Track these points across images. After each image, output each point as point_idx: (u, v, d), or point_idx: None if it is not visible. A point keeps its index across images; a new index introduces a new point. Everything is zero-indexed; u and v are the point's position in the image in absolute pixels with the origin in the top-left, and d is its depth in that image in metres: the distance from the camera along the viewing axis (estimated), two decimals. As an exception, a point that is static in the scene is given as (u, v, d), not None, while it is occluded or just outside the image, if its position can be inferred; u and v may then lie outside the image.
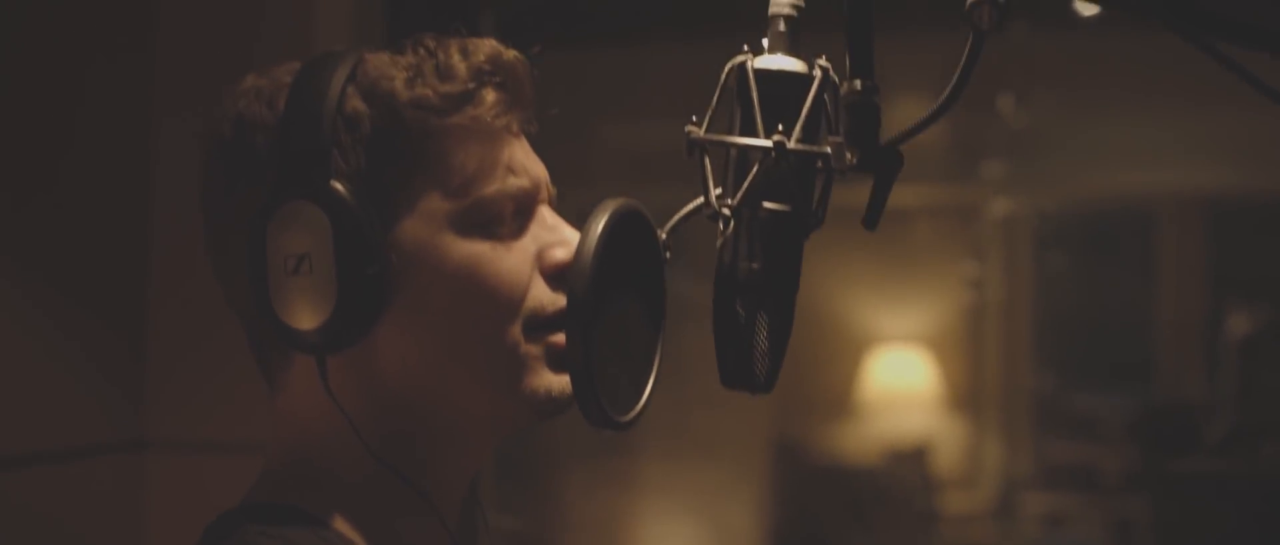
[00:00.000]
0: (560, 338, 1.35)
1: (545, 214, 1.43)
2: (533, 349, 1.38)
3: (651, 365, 1.38)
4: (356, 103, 1.36)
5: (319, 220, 1.30)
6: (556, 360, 1.39)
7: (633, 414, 1.33)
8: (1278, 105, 1.12)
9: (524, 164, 1.42)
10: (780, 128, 1.19)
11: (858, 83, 1.20)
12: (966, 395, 6.39)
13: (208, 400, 2.68)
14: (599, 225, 1.25)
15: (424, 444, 1.41)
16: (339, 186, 1.32)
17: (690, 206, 1.32)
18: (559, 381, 1.39)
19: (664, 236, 1.35)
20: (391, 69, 1.38)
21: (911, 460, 6.16)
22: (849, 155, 1.20)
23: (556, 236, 1.42)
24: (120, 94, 2.68)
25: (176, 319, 2.70)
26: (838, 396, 6.12)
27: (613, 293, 1.27)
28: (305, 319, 1.31)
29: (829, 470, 5.74)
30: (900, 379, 6.07)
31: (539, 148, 1.48)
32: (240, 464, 2.64)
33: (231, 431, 2.63)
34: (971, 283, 6.05)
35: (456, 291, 1.36)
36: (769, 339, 1.22)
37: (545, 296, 1.39)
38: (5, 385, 2.39)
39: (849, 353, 6.06)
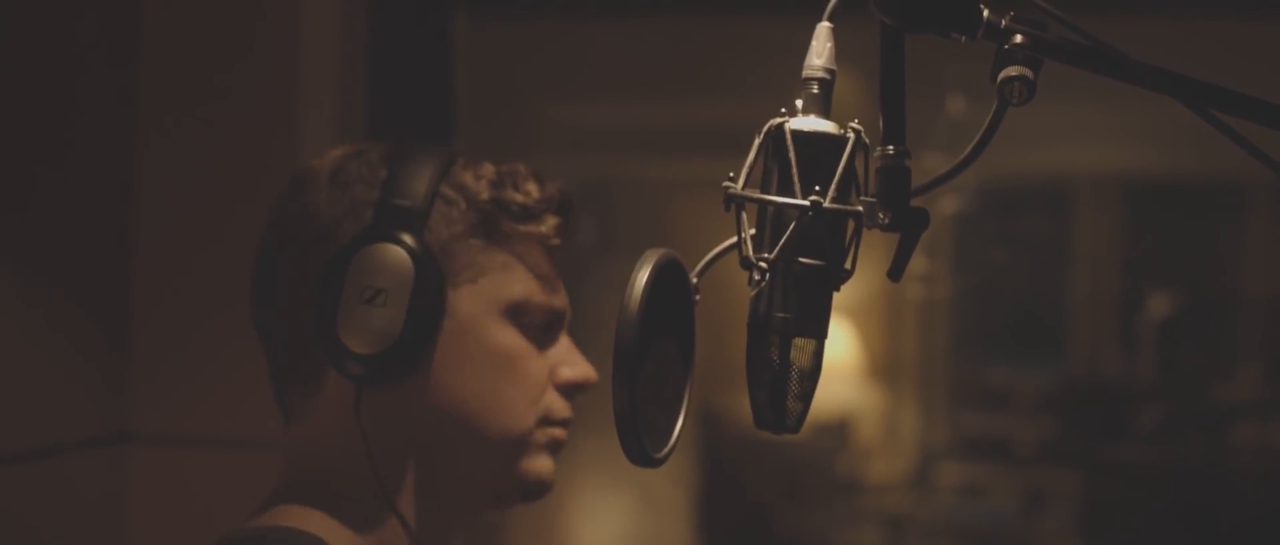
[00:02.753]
0: (560, 432, 1.63)
1: (564, 338, 1.67)
2: (538, 437, 1.61)
3: (682, 401, 1.46)
4: (449, 189, 1.56)
5: (403, 264, 1.47)
6: (547, 448, 1.63)
7: (667, 450, 1.41)
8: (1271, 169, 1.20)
9: (560, 288, 1.66)
10: (816, 188, 1.26)
11: (891, 147, 1.27)
12: (886, 367, 6.48)
13: (192, 394, 2.70)
14: (642, 278, 1.33)
15: (423, 493, 1.57)
16: (428, 243, 1.51)
17: (717, 252, 1.41)
18: (545, 468, 1.63)
19: (695, 281, 1.43)
20: (478, 171, 1.60)
21: (833, 431, 6.26)
22: (882, 215, 1.28)
23: (572, 358, 1.66)
24: (105, 89, 2.69)
25: (161, 312, 2.72)
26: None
27: (652, 338, 1.35)
28: (363, 345, 1.47)
29: (754, 441, 5.80)
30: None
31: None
32: (224, 458, 2.70)
33: (216, 425, 2.68)
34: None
35: (492, 369, 1.57)
36: (800, 384, 1.30)
37: (557, 403, 1.63)
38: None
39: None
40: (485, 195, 1.58)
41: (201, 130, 2.74)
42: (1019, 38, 1.24)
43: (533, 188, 1.62)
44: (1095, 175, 6.72)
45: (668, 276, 1.37)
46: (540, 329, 1.62)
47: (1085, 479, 6.21)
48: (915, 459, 6.61)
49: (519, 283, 1.59)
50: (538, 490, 1.63)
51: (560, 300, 1.64)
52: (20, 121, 2.47)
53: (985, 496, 6.57)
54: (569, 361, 1.65)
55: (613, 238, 5.26)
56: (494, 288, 1.57)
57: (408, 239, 1.49)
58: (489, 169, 1.61)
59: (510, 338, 1.58)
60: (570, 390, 1.64)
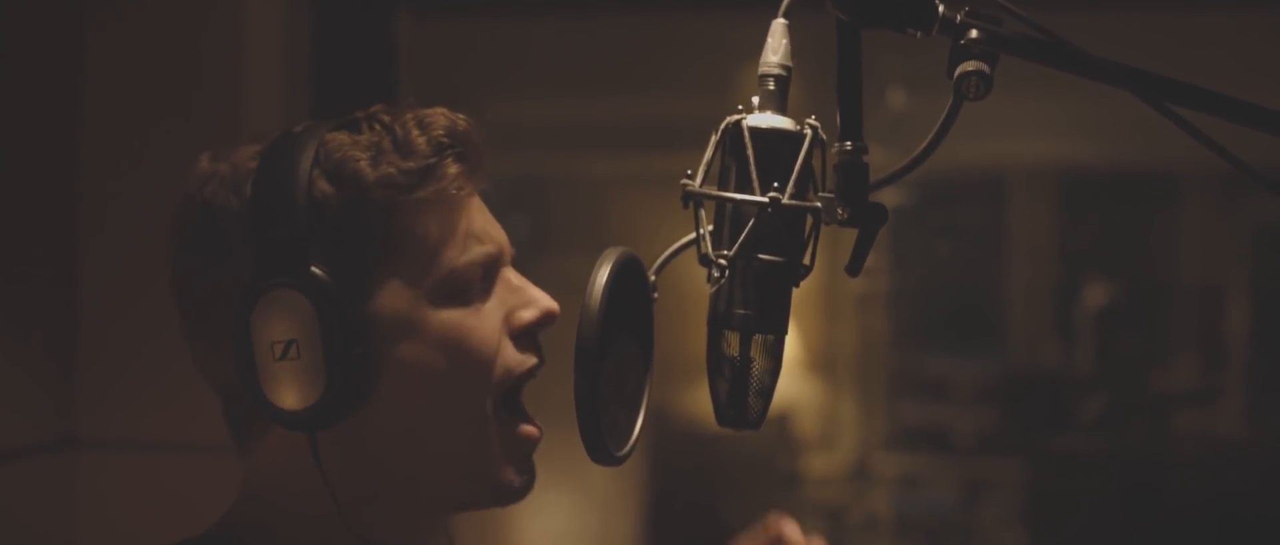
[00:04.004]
0: (530, 428, 1.50)
1: (509, 275, 1.51)
2: (502, 435, 1.48)
3: (642, 400, 1.46)
4: (324, 185, 1.40)
5: (303, 307, 1.35)
6: (522, 452, 1.51)
7: (628, 448, 1.41)
8: (1252, 178, 1.21)
9: (486, 229, 1.49)
10: (775, 184, 1.27)
11: (848, 144, 1.28)
12: (825, 360, 6.50)
13: (140, 399, 2.69)
14: (602, 277, 1.33)
15: (389, 512, 1.48)
16: (319, 271, 1.36)
17: (674, 249, 1.41)
18: (520, 473, 1.51)
19: (652, 278, 1.43)
20: (354, 150, 1.42)
21: (772, 425, 6.27)
22: (840, 211, 1.28)
23: (522, 298, 1.51)
24: (48, 96, 2.68)
25: (108, 318, 2.71)
26: (696, 362, 6.20)
27: (613, 337, 1.35)
28: (296, 400, 1.36)
29: (695, 436, 5.81)
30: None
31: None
32: (172, 462, 2.69)
33: (164, 430, 2.66)
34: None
35: (437, 361, 1.44)
36: (761, 380, 1.30)
37: (514, 358, 1.49)
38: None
39: (704, 318, 6.11)
40: (368, 177, 1.41)
41: (145, 134, 2.72)
42: (974, 33, 1.24)
43: (418, 140, 1.44)
44: (1031, 166, 6.75)
45: (626, 275, 1.37)
46: (478, 285, 1.47)
47: (1025, 468, 6.25)
48: (854, 451, 6.63)
49: (436, 257, 1.44)
50: (508, 497, 1.51)
51: (487, 246, 1.48)
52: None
53: (924, 487, 6.59)
54: (522, 302, 1.50)
55: (549, 235, 5.25)
56: (411, 277, 1.43)
57: (296, 274, 1.35)
58: (363, 140, 1.44)
59: (446, 317, 1.44)
60: (532, 331, 1.50)
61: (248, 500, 1.51)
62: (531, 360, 1.51)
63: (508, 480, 1.49)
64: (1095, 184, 6.93)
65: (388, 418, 1.42)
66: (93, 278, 2.70)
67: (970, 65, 1.23)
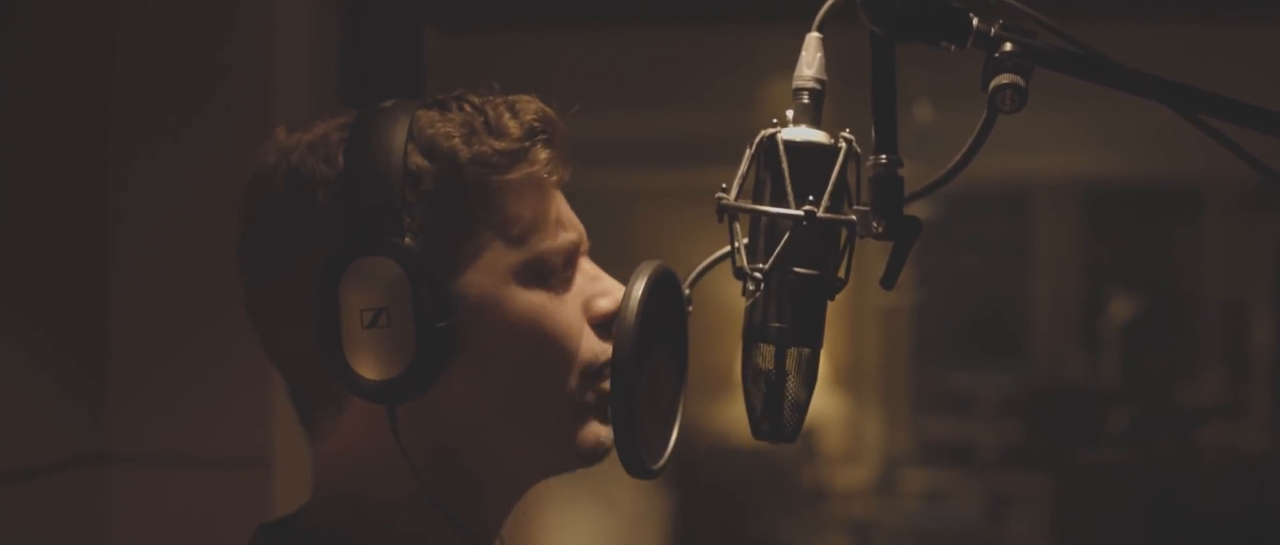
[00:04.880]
0: (608, 384, 1.42)
1: (586, 265, 1.49)
2: (585, 400, 1.45)
3: (676, 412, 1.46)
4: (418, 159, 1.39)
5: (395, 274, 1.33)
6: (604, 410, 1.45)
7: (663, 461, 1.41)
8: (1271, 179, 1.21)
9: (569, 218, 1.47)
10: (810, 198, 1.27)
11: (883, 157, 1.28)
12: (850, 375, 6.50)
13: (168, 413, 2.68)
14: (638, 291, 1.32)
15: (471, 485, 1.46)
16: (411, 241, 1.35)
17: (708, 262, 1.42)
18: (607, 431, 1.44)
19: (687, 292, 1.43)
20: (446, 126, 1.41)
21: (800, 438, 6.26)
22: (875, 224, 1.28)
23: (599, 287, 1.48)
24: (77, 111, 2.69)
25: (136, 333, 2.71)
26: (723, 376, 6.21)
27: (649, 350, 1.35)
28: (379, 370, 1.34)
29: (722, 450, 5.82)
30: (785, 358, 6.13)
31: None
32: (202, 477, 2.69)
33: (192, 444, 2.66)
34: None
35: (520, 341, 1.41)
36: (795, 393, 1.30)
37: (596, 346, 1.44)
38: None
39: (734, 332, 6.13)
40: (463, 154, 1.40)
41: (175, 148, 2.73)
42: (1008, 45, 1.24)
43: (510, 122, 1.43)
44: (1054, 180, 6.75)
45: (662, 289, 1.37)
46: (560, 272, 1.46)
47: (1050, 482, 6.24)
48: (880, 465, 6.63)
49: (524, 238, 1.43)
50: (597, 456, 1.46)
51: (571, 234, 1.47)
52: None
53: (949, 501, 6.59)
54: (600, 291, 1.49)
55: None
56: (500, 256, 1.41)
57: (390, 243, 1.34)
58: (455, 118, 1.43)
59: (531, 299, 1.42)
60: (608, 322, 1.47)
61: (325, 497, 1.49)
62: (611, 350, 1.48)
63: (591, 439, 1.46)
64: (1119, 198, 6.93)
65: (463, 394, 1.40)
66: (122, 291, 2.70)
67: (1005, 78, 1.23)
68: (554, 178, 1.46)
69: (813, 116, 1.31)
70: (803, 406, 1.31)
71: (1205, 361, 6.74)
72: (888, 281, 1.31)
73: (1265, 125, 1.24)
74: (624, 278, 1.41)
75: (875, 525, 6.51)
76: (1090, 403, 6.57)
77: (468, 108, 1.43)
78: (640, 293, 1.32)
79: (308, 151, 1.40)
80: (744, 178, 1.30)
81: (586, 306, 1.46)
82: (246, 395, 2.51)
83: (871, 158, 1.28)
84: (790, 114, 1.31)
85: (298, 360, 1.44)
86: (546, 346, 1.41)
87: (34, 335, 2.55)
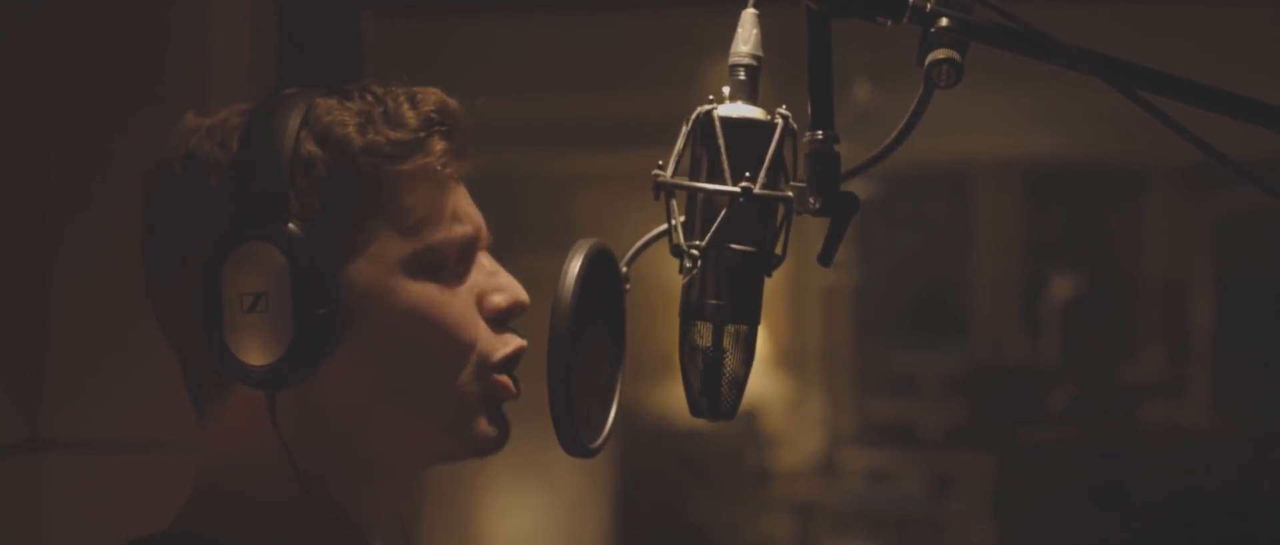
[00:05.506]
0: (503, 378, 1.46)
1: (483, 260, 1.50)
2: (477, 390, 1.46)
3: (615, 391, 1.46)
4: (310, 146, 1.40)
5: (276, 260, 1.34)
6: (497, 400, 1.48)
7: (601, 440, 1.41)
8: (1258, 188, 1.21)
9: (467, 211, 1.48)
10: (747, 174, 1.26)
11: (819, 132, 1.28)
12: (792, 355, 6.51)
13: (108, 399, 2.67)
14: (574, 268, 1.32)
15: (356, 475, 1.46)
16: (295, 228, 1.36)
17: (645, 240, 1.41)
18: (493, 424, 1.47)
19: (624, 269, 1.42)
20: (343, 114, 1.42)
21: (740, 420, 6.27)
22: (812, 200, 1.28)
23: (495, 283, 1.49)
24: (14, 93, 2.67)
25: (76, 317, 2.69)
26: (664, 356, 6.20)
27: (586, 327, 1.35)
28: (258, 355, 1.35)
29: (662, 431, 5.82)
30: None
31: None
32: (143, 463, 2.68)
33: (133, 430, 2.64)
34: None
35: (406, 332, 1.42)
36: (733, 370, 1.30)
37: (491, 341, 1.47)
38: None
39: (673, 312, 6.12)
40: (355, 143, 1.40)
41: (112, 134, 2.71)
42: (944, 21, 1.24)
43: (408, 113, 1.44)
44: (994, 159, 6.77)
45: (598, 266, 1.37)
46: (454, 265, 1.47)
47: (992, 461, 6.27)
48: (822, 446, 6.65)
49: (416, 230, 1.44)
50: (490, 448, 1.48)
51: (467, 226, 1.48)
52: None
53: (892, 481, 6.61)
54: (495, 287, 1.49)
55: (515, 233, 5.25)
56: (389, 247, 1.42)
57: (273, 228, 1.35)
58: (353, 107, 1.43)
59: (419, 290, 1.43)
60: (502, 318, 1.49)
61: (206, 488, 1.49)
62: (514, 342, 1.49)
63: (481, 432, 1.47)
64: (1060, 177, 6.96)
65: (346, 383, 1.41)
66: (60, 275, 2.69)
67: (941, 53, 1.22)
68: (450, 170, 1.46)
69: (749, 93, 1.31)
70: (740, 383, 1.31)
71: (1145, 340, 6.78)
72: (825, 258, 1.32)
73: (1204, 101, 1.24)
74: (562, 261, 1.42)
75: (818, 506, 6.52)
76: (1032, 382, 6.60)
77: (369, 97, 1.44)
78: (576, 270, 1.32)
79: (205, 136, 1.42)
80: (680, 155, 1.30)
81: (481, 300, 1.47)
82: (186, 380, 2.51)
83: (808, 134, 1.28)
84: (727, 90, 1.31)
85: (186, 343, 1.45)
86: (434, 337, 1.42)
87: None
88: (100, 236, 2.69)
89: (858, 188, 1.32)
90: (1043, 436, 6.30)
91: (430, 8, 3.90)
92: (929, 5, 1.24)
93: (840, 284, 6.59)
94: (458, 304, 1.45)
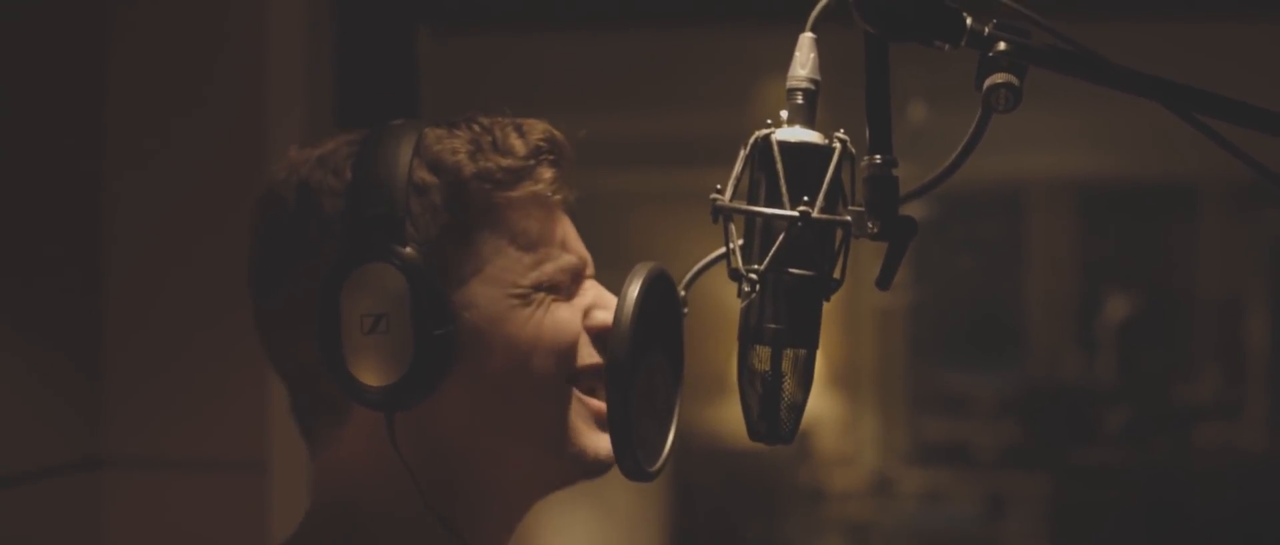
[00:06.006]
0: (603, 403, 1.45)
1: (589, 285, 1.52)
2: (581, 410, 1.47)
3: (673, 414, 1.46)
4: (423, 172, 1.43)
5: (396, 282, 1.36)
6: (601, 424, 1.48)
7: (660, 463, 1.41)
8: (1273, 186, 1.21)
9: (573, 242, 1.52)
10: (805, 198, 1.27)
11: (878, 157, 1.28)
12: (845, 375, 6.49)
13: (166, 417, 2.69)
14: (634, 292, 1.33)
15: (471, 498, 1.47)
16: (413, 251, 1.38)
17: (703, 263, 1.42)
18: (604, 443, 1.46)
19: (682, 293, 1.43)
20: (453, 142, 1.46)
21: (795, 439, 6.25)
22: (870, 224, 1.28)
23: (600, 301, 1.52)
24: (71, 116, 2.69)
25: (133, 336, 2.71)
26: (718, 377, 6.19)
27: (644, 352, 1.35)
28: (378, 376, 1.37)
29: (718, 452, 5.81)
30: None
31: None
32: (199, 481, 2.69)
33: (190, 448, 2.66)
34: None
35: (519, 354, 1.44)
36: (792, 394, 1.30)
37: (592, 356, 1.49)
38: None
39: (729, 333, 6.13)
40: (467, 169, 1.44)
41: (169, 152, 2.74)
42: (1002, 45, 1.24)
43: (516, 142, 1.47)
44: (1049, 179, 6.74)
45: (657, 290, 1.37)
46: (564, 289, 1.50)
47: (1047, 482, 6.23)
48: (876, 466, 6.62)
49: (527, 254, 1.47)
50: (596, 468, 1.50)
51: (573, 255, 1.51)
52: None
53: (947, 502, 6.58)
54: (601, 304, 1.52)
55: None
56: (501, 271, 1.45)
57: (391, 250, 1.37)
58: (463, 135, 1.47)
59: (532, 314, 1.45)
60: (604, 335, 1.48)
61: (325, 508, 1.50)
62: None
63: (594, 450, 1.48)
64: (1114, 196, 6.92)
65: (461, 404, 1.43)
66: (118, 295, 2.71)
67: (999, 77, 1.23)
68: (558, 197, 1.50)
69: (807, 117, 1.31)
70: (799, 408, 1.31)
71: (1201, 360, 6.74)
72: (883, 282, 1.32)
73: (1260, 123, 1.24)
74: (619, 279, 1.42)
75: (873, 526, 6.50)
76: (1087, 402, 6.56)
77: (476, 127, 1.48)
78: (635, 294, 1.33)
79: (317, 165, 1.45)
80: (739, 178, 1.31)
81: (586, 315, 1.48)
82: (243, 399, 2.52)
83: (866, 158, 1.29)
84: (784, 115, 1.31)
85: (302, 371, 1.46)
86: (544, 360, 1.44)
87: (31, 340, 2.56)
88: (159, 255, 2.71)
89: (912, 208, 1.32)
90: (1098, 457, 6.26)
91: (484, 25, 3.90)
92: (987, 29, 1.25)
93: (894, 304, 6.57)
94: (564, 313, 1.47)
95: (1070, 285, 6.90)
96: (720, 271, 1.34)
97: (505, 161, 1.45)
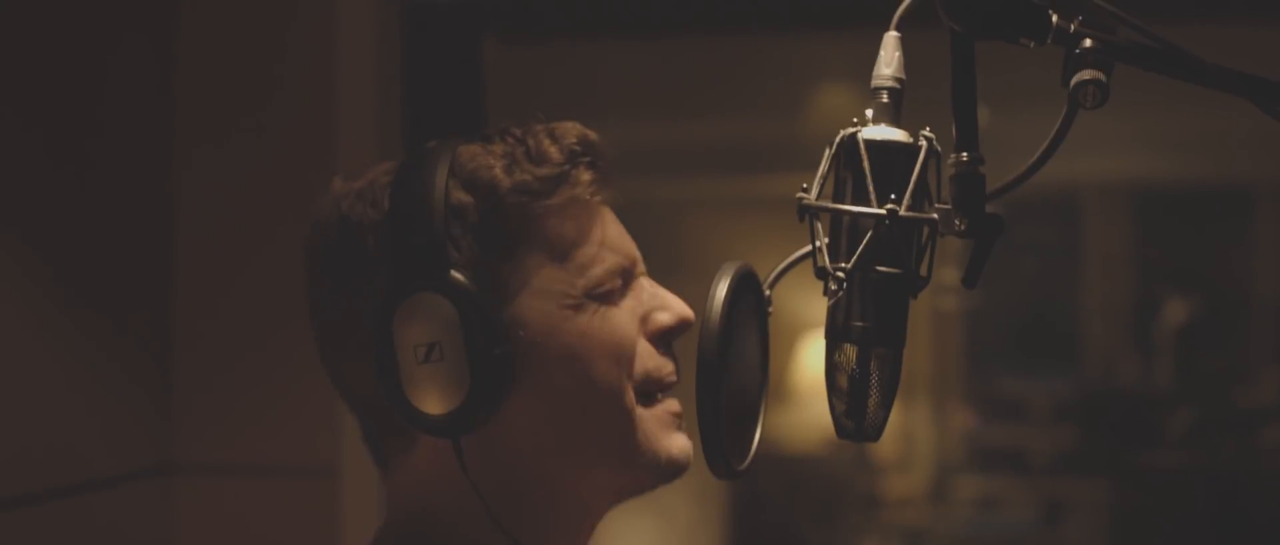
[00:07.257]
0: (674, 405, 1.47)
1: (644, 283, 1.51)
2: (649, 416, 1.47)
3: (759, 413, 1.46)
4: (460, 194, 1.42)
5: (444, 308, 1.36)
6: (672, 426, 1.49)
7: (748, 461, 1.41)
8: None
9: (619, 240, 1.50)
10: (892, 196, 1.27)
11: (964, 155, 1.28)
12: (902, 380, 6.47)
13: (237, 422, 2.70)
14: (722, 290, 1.33)
15: (543, 514, 1.47)
16: (458, 275, 1.37)
17: (790, 261, 1.42)
18: (678, 445, 1.48)
19: (768, 292, 1.43)
20: (487, 158, 1.44)
21: (850, 447, 6.25)
22: (958, 222, 1.28)
23: (658, 302, 1.51)
24: (142, 121, 2.71)
25: (204, 341, 2.73)
26: (774, 383, 6.20)
27: (733, 349, 1.36)
28: (439, 404, 1.37)
29: (775, 457, 5.81)
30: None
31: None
32: (270, 486, 2.70)
33: (261, 454, 2.67)
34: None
35: (577, 363, 1.43)
36: (879, 392, 1.30)
37: (654, 361, 1.48)
38: (35, 416, 2.41)
39: (784, 339, 6.13)
40: (503, 184, 1.43)
41: (240, 159, 2.75)
42: (1088, 42, 1.24)
43: (550, 149, 1.45)
44: (1104, 183, 6.73)
45: (743, 288, 1.37)
46: (615, 291, 1.48)
47: (1105, 487, 6.21)
48: (932, 472, 6.61)
49: (572, 260, 1.45)
50: (670, 472, 1.49)
51: (623, 254, 1.50)
52: (58, 153, 2.48)
53: (1003, 508, 6.57)
54: (659, 305, 1.51)
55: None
56: (549, 280, 1.44)
57: (436, 278, 1.36)
58: (497, 149, 1.46)
59: (584, 321, 1.44)
60: (667, 337, 1.50)
61: (400, 524, 1.51)
62: (669, 367, 1.50)
63: (667, 453, 1.48)
64: (1170, 199, 6.90)
65: (526, 420, 1.42)
66: (188, 301, 2.72)
67: (1087, 74, 1.22)
68: (598, 199, 1.48)
69: (892, 115, 1.31)
70: (887, 405, 1.31)
71: (1261, 362, 6.71)
72: (970, 280, 1.32)
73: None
74: (677, 287, 1.43)
75: (929, 532, 6.49)
76: (1145, 406, 6.54)
77: (510, 139, 1.47)
78: (724, 292, 1.33)
79: (356, 198, 1.45)
80: (825, 177, 1.31)
81: (645, 320, 1.48)
82: (314, 404, 2.52)
83: (952, 156, 1.29)
84: (869, 113, 1.31)
85: (365, 401, 1.47)
86: (602, 366, 1.43)
87: (101, 346, 2.57)
88: (229, 261, 2.73)
89: (994, 206, 1.32)
90: (1156, 461, 6.23)
91: (548, 34, 3.92)
92: (1073, 27, 1.24)
93: (950, 309, 6.56)
94: (619, 319, 1.46)
95: (1127, 289, 6.89)
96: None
97: (541, 170, 1.44)
